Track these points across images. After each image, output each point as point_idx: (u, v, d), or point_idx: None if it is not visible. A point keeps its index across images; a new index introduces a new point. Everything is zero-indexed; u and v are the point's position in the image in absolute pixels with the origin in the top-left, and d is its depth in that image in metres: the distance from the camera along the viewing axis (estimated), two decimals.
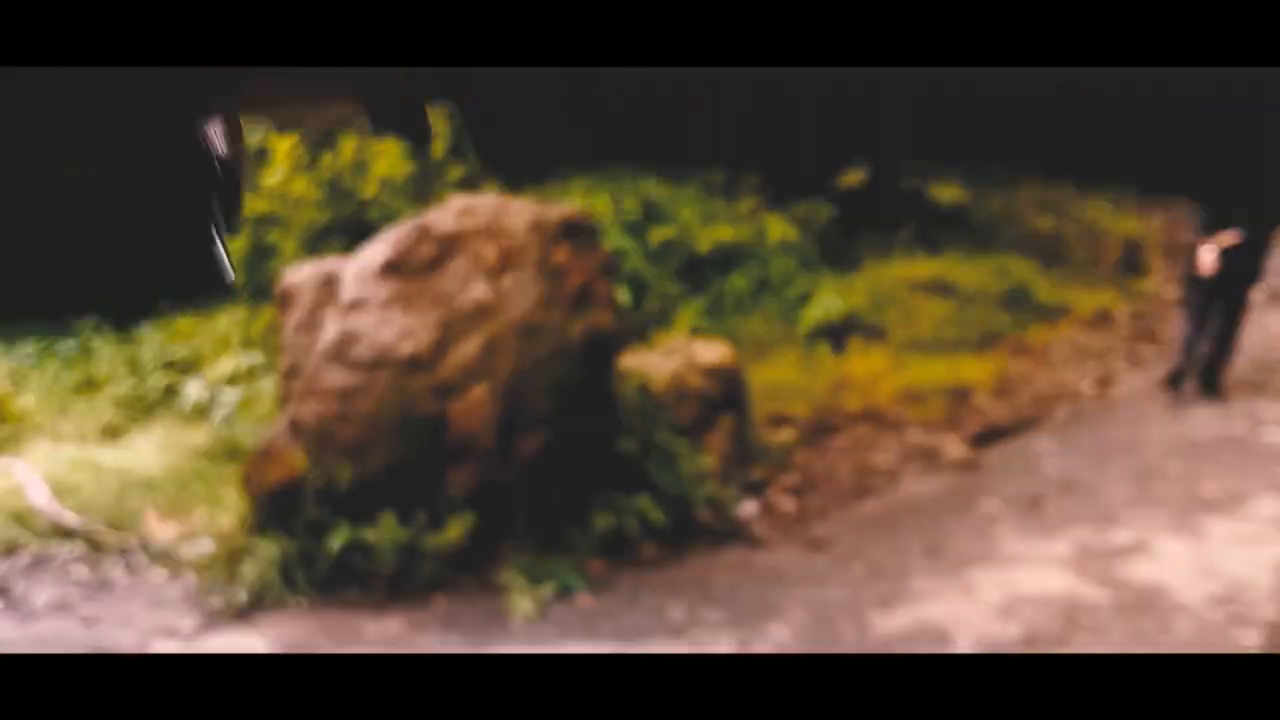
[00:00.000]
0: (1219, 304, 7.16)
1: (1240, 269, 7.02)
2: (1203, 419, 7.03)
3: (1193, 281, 7.26)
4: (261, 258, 9.04)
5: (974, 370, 7.76)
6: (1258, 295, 7.71)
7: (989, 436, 7.05)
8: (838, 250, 9.11)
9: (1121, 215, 10.33)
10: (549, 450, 5.42)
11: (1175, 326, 7.76)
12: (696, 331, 7.78)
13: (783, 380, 7.60)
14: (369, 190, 8.46)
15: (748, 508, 6.23)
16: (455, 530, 5.21)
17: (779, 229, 8.63)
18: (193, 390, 7.69)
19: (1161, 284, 9.85)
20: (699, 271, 8.64)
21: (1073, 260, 9.49)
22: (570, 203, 8.20)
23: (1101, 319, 8.92)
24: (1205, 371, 7.37)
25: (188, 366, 8.49)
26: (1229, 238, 6.90)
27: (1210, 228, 6.99)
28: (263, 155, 9.33)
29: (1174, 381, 7.49)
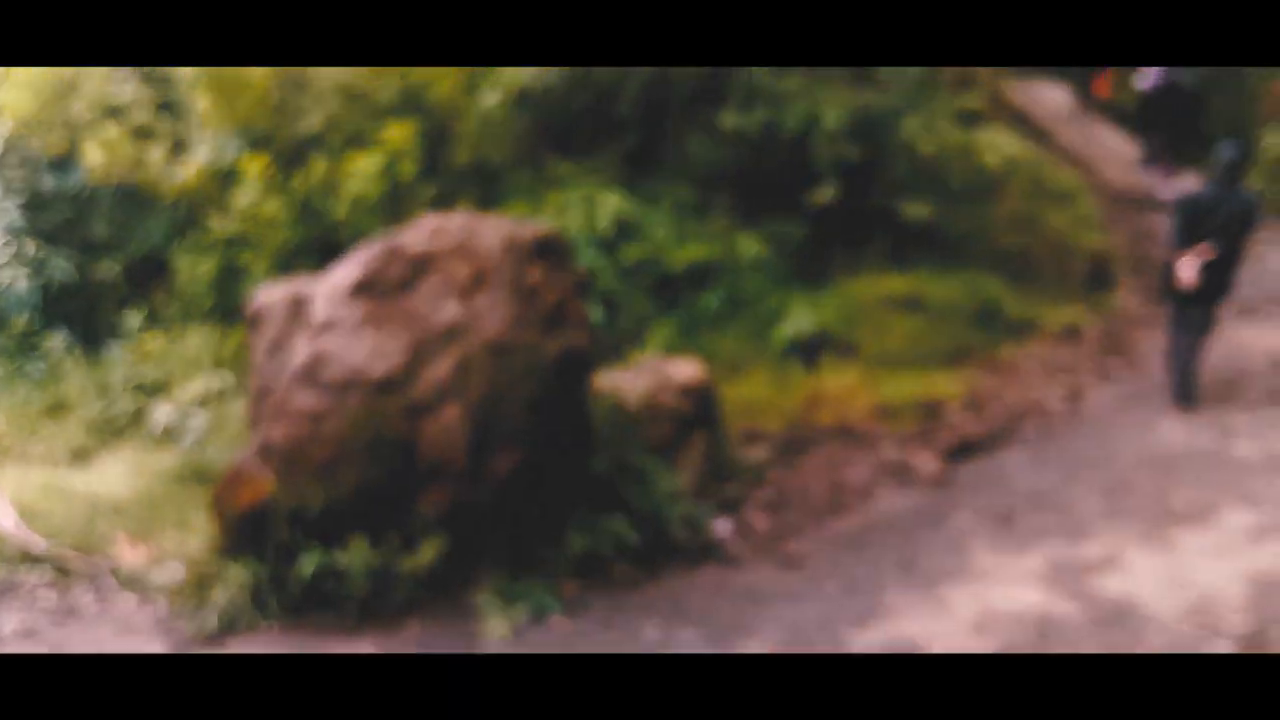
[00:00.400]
0: (1194, 316, 7.35)
1: (1213, 282, 7.20)
2: (1171, 431, 7.10)
3: (1172, 295, 7.44)
4: (232, 278, 8.99)
5: (945, 385, 7.81)
6: (1226, 310, 7.83)
7: (961, 451, 7.09)
8: (809, 267, 9.16)
9: (1088, 230, 10.46)
10: (522, 470, 5.41)
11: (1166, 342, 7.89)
12: (670, 349, 7.79)
13: (756, 397, 7.62)
14: (340, 210, 8.43)
15: (722, 526, 6.23)
16: (428, 552, 5.19)
17: (751, 247, 8.66)
18: (163, 413, 7.61)
19: (1128, 299, 9.97)
20: (672, 289, 8.66)
21: (1041, 276, 9.59)
22: (543, 221, 8.22)
23: (1070, 334, 9.00)
24: (1185, 384, 7.53)
25: (158, 389, 8.41)
26: (1205, 251, 7.09)
27: (1186, 242, 7.17)
28: (234, 175, 9.29)
29: (1185, 398, 7.51)
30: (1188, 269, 7.14)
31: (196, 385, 7.75)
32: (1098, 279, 9.83)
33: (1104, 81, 15.52)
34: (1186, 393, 7.46)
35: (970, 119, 10.37)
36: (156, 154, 9.86)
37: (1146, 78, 13.22)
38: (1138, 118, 13.79)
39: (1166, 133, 13.16)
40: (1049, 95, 16.25)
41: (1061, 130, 14.68)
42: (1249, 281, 8.62)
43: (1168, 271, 7.37)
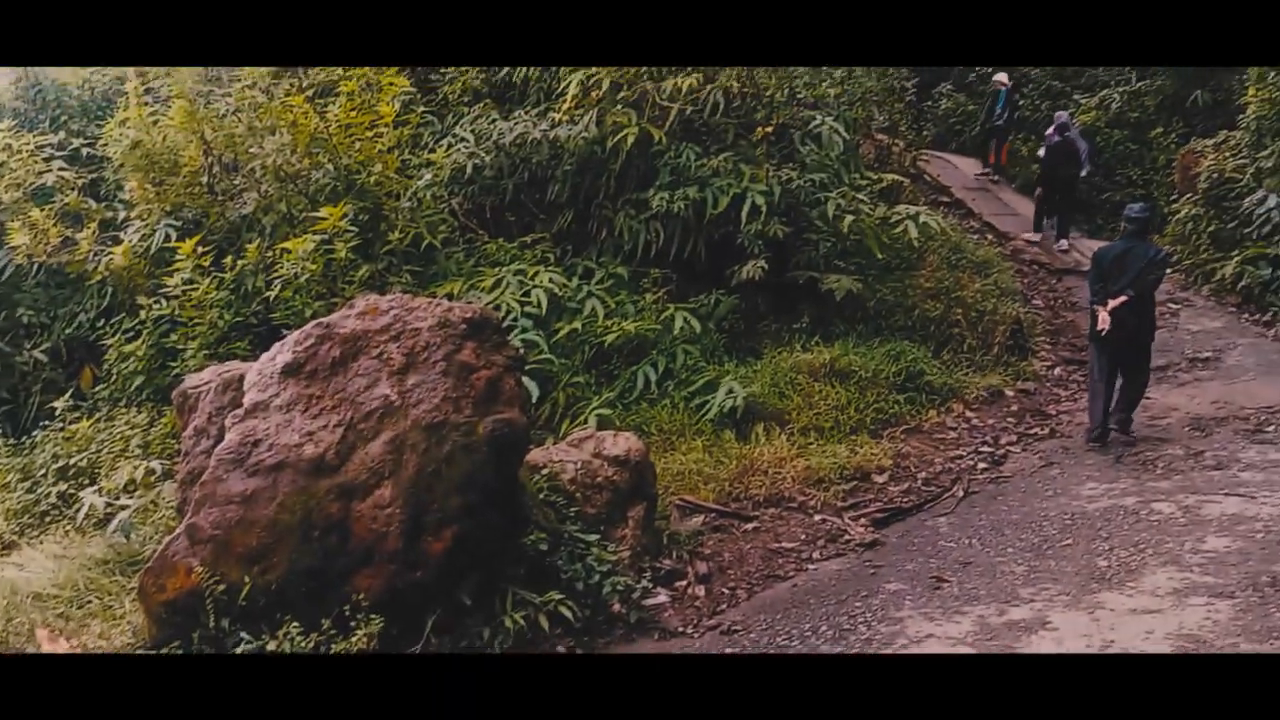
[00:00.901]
0: (1127, 356, 8.09)
1: (1136, 324, 7.96)
2: (1093, 493, 7.32)
3: (1096, 343, 8.18)
4: (164, 360, 8.90)
5: (873, 453, 7.98)
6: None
7: (890, 517, 7.25)
8: (740, 340, 9.37)
9: (1006, 297, 10.83)
10: (457, 549, 5.41)
11: (1090, 395, 8.53)
12: (605, 423, 7.87)
13: (691, 468, 7.71)
14: (274, 292, 8.43)
15: (659, 598, 6.27)
16: (362, 636, 5.14)
17: (683, 321, 8.84)
18: (89, 500, 7.44)
19: (1047, 364, 10.31)
20: (606, 363, 8.79)
21: (962, 343, 9.88)
22: (477, 299, 8.31)
23: (992, 399, 9.28)
24: (1119, 416, 8.26)
25: (85, 474, 8.24)
26: (1118, 301, 7.89)
27: (1101, 292, 8.03)
28: (165, 257, 9.25)
29: (1097, 436, 8.21)
30: (1103, 314, 7.96)
31: (125, 470, 7.60)
32: (1017, 345, 10.16)
33: (1004, 151, 16.42)
34: (1121, 422, 8.23)
35: (890, 194, 10.74)
36: (84, 236, 9.80)
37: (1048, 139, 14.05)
38: (1038, 179, 14.54)
39: (1058, 191, 13.87)
40: (963, 166, 16.94)
41: (977, 201, 15.29)
42: (1166, 345, 8.99)
43: (1092, 318, 8.19)
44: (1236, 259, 11.60)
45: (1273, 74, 12.08)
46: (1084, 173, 13.95)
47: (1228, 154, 12.45)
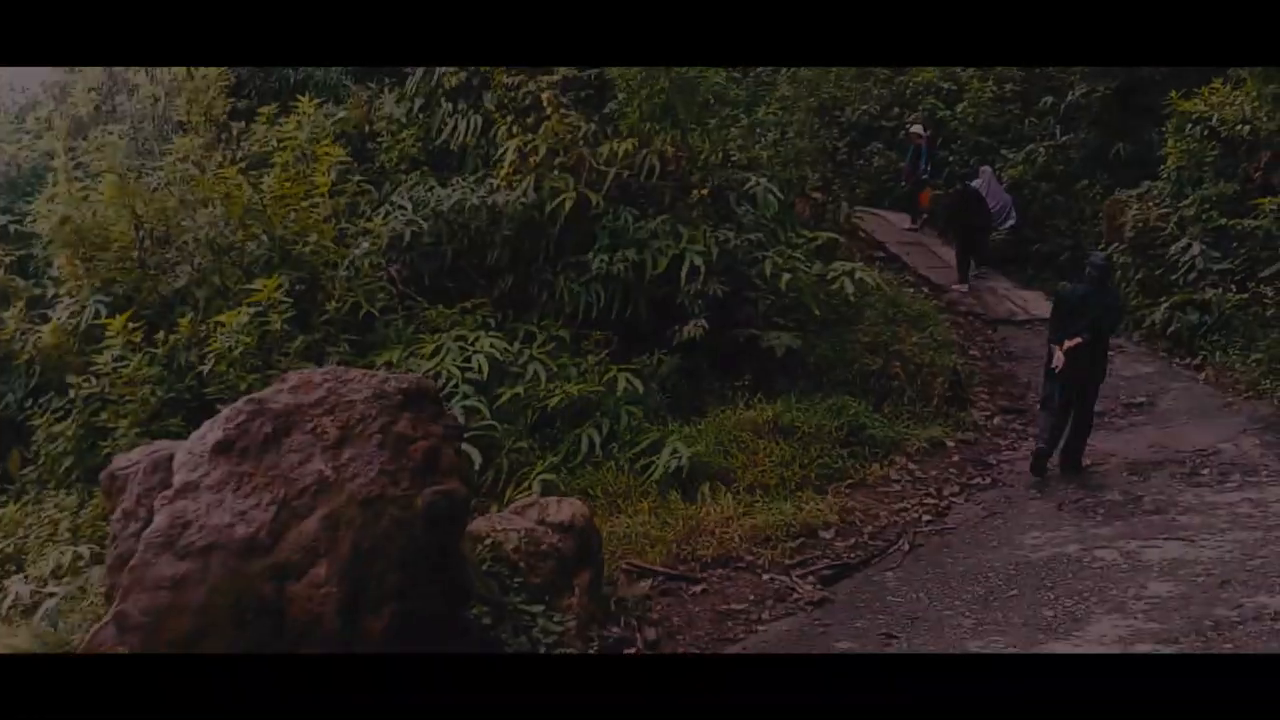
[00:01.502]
0: (1076, 397, 8.42)
1: (1088, 365, 8.33)
2: (1036, 542, 7.38)
3: (1050, 378, 8.53)
4: (94, 440, 8.68)
5: (819, 509, 7.96)
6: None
7: (838, 573, 7.23)
8: (683, 400, 9.38)
9: (944, 349, 10.98)
10: (397, 627, 5.27)
11: (1038, 421, 8.94)
12: (549, 488, 7.79)
13: (638, 531, 7.64)
14: (208, 366, 8.29)
15: None
16: None
17: (626, 382, 8.83)
18: (15, 587, 7.17)
19: (986, 414, 10.43)
20: (550, 427, 8.74)
21: (902, 397, 9.95)
22: (416, 367, 8.24)
23: (933, 450, 9.34)
24: (1067, 452, 8.63)
25: (11, 561, 7.97)
26: (1074, 342, 8.24)
27: (1060, 333, 8.39)
28: (95, 334, 9.07)
29: (1039, 467, 8.59)
30: (1059, 354, 8.32)
31: (53, 556, 7.35)
32: (955, 396, 10.28)
33: (925, 196, 16.87)
34: (1070, 459, 8.60)
35: (826, 251, 10.90)
36: (11, 314, 9.59)
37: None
38: (945, 223, 14.96)
39: (967, 239, 14.26)
40: (896, 221, 17.29)
41: (911, 255, 15.59)
42: (1102, 391, 9.17)
43: (1048, 357, 8.53)
44: (1165, 305, 11.91)
45: (1190, 125, 12.55)
46: (994, 216, 14.47)
47: (1151, 204, 12.85)
